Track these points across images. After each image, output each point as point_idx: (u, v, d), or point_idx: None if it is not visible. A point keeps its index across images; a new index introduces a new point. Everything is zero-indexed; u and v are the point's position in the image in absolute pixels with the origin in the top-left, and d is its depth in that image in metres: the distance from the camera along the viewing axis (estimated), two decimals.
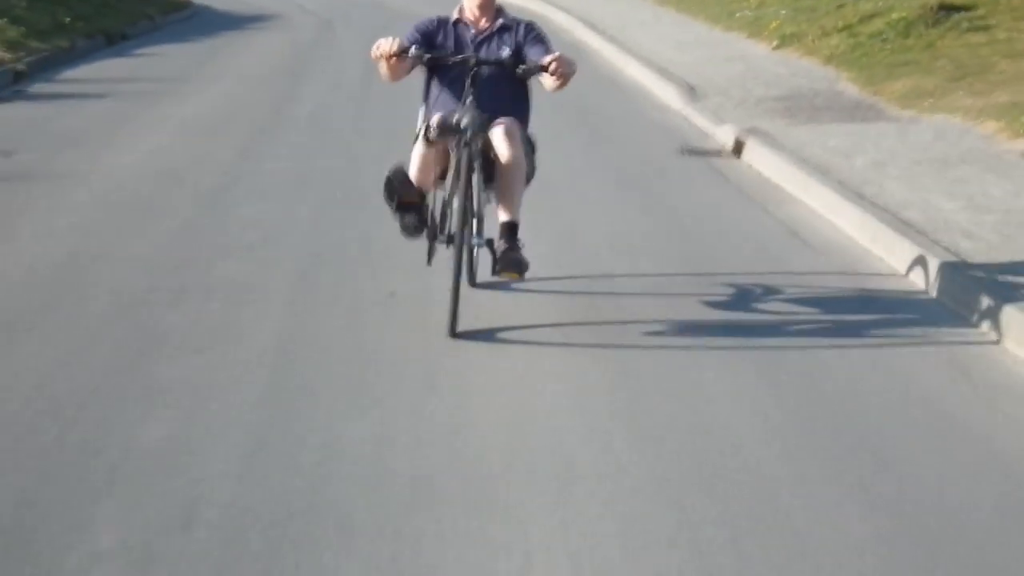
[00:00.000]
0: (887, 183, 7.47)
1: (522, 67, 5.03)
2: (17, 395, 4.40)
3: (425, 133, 4.98)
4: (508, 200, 5.11)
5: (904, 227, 6.37)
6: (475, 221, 5.08)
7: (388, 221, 5.38)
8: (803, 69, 12.45)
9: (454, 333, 4.93)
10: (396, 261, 5.88)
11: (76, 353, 4.81)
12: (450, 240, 5.09)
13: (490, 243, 5.11)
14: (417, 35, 5.19)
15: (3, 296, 5.56)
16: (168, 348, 4.89)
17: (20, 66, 12.76)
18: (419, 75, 5.39)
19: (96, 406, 4.29)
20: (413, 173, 5.12)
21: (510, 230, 5.10)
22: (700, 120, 10.15)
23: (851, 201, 7.01)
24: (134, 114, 10.57)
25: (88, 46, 15.27)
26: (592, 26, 16.82)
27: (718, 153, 9.04)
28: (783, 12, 15.63)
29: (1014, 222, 6.52)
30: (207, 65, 14.00)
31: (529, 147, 5.28)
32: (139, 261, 6.08)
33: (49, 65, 13.48)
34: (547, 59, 4.97)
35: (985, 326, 5.22)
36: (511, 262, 4.98)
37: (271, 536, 3.40)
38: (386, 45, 4.96)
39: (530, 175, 5.27)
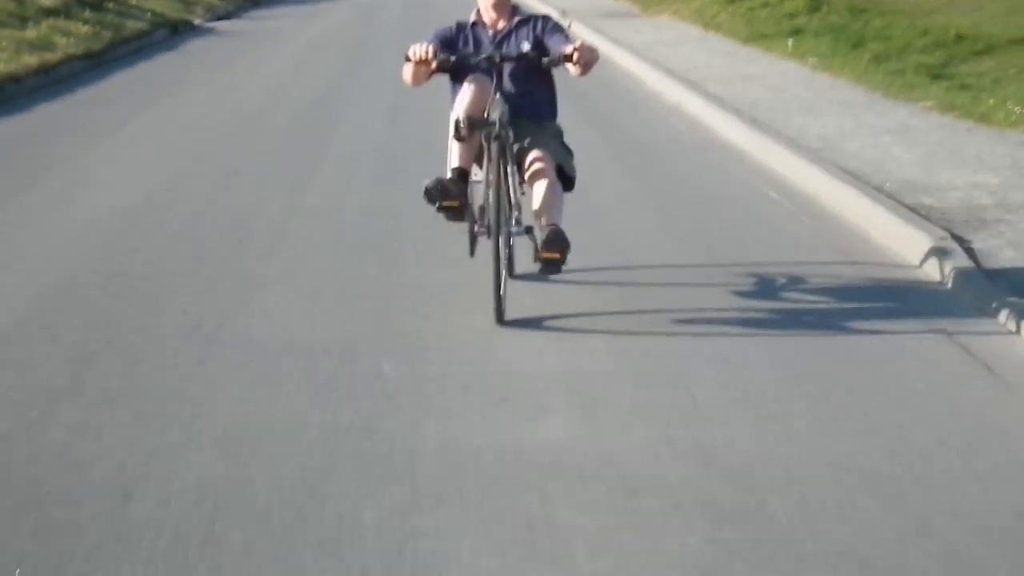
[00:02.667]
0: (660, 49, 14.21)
1: (545, 59, 5.09)
2: None
3: (456, 130, 4.99)
4: (550, 213, 5.08)
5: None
6: (513, 211, 5.11)
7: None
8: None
9: (501, 320, 4.98)
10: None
11: None
12: (491, 231, 5.07)
13: (529, 230, 5.09)
14: (437, 41, 5.25)
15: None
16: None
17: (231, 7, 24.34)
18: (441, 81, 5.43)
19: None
20: (455, 158, 5.16)
21: (554, 229, 5.03)
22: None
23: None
24: (303, 21, 21.77)
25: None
26: None
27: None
28: None
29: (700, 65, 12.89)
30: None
31: (566, 152, 5.35)
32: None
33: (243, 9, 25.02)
34: (569, 48, 5.01)
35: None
36: (555, 238, 4.91)
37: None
38: (421, 50, 5.09)
39: (572, 181, 5.34)
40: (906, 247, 6.18)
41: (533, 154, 5.13)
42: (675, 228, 6.77)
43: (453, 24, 5.42)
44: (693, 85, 11.69)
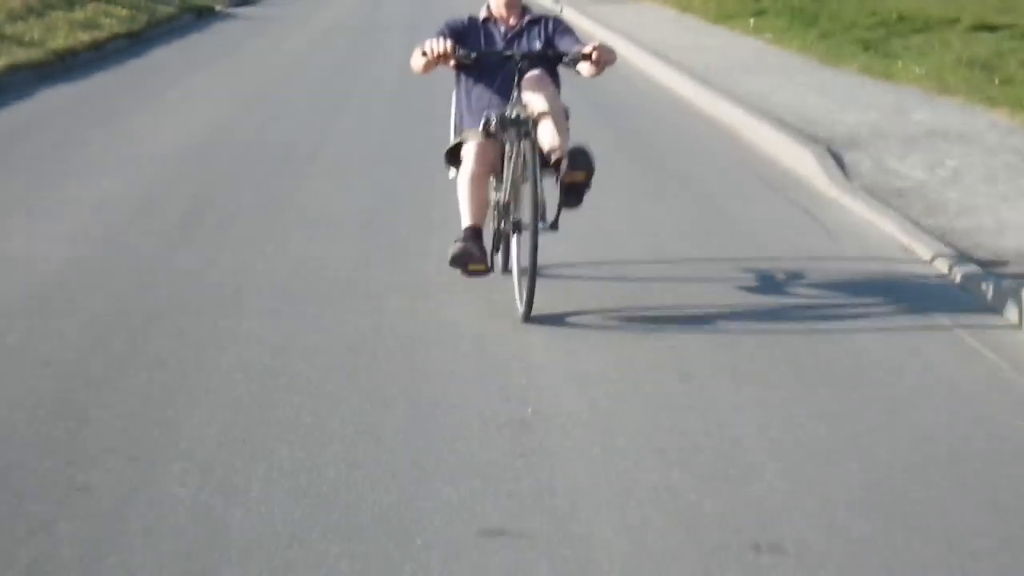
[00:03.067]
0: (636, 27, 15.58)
1: (566, 57, 5.08)
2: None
3: (485, 128, 4.99)
4: (558, 128, 5.02)
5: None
6: (538, 208, 4.97)
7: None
8: None
9: (528, 318, 4.96)
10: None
11: None
12: (516, 228, 5.09)
13: (554, 227, 5.09)
14: (450, 34, 5.24)
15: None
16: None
17: None
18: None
19: None
20: (467, 216, 5.11)
21: (569, 155, 4.96)
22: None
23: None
24: (316, 10, 22.99)
25: None
26: None
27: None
28: None
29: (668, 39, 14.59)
30: None
31: (565, 113, 5.25)
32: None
33: None
34: (588, 48, 5.01)
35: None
36: (580, 157, 4.86)
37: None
38: (439, 47, 5.03)
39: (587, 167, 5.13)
40: (795, 159, 8.12)
41: (532, 72, 5.11)
42: (627, 144, 8.75)
43: (465, 18, 5.42)
44: (657, 54, 13.63)
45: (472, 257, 5.02)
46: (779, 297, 5.51)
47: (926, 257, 5.96)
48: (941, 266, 5.79)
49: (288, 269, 5.70)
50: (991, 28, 14.86)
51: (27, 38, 14.37)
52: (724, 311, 5.18)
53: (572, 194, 4.97)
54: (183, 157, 8.38)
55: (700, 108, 10.65)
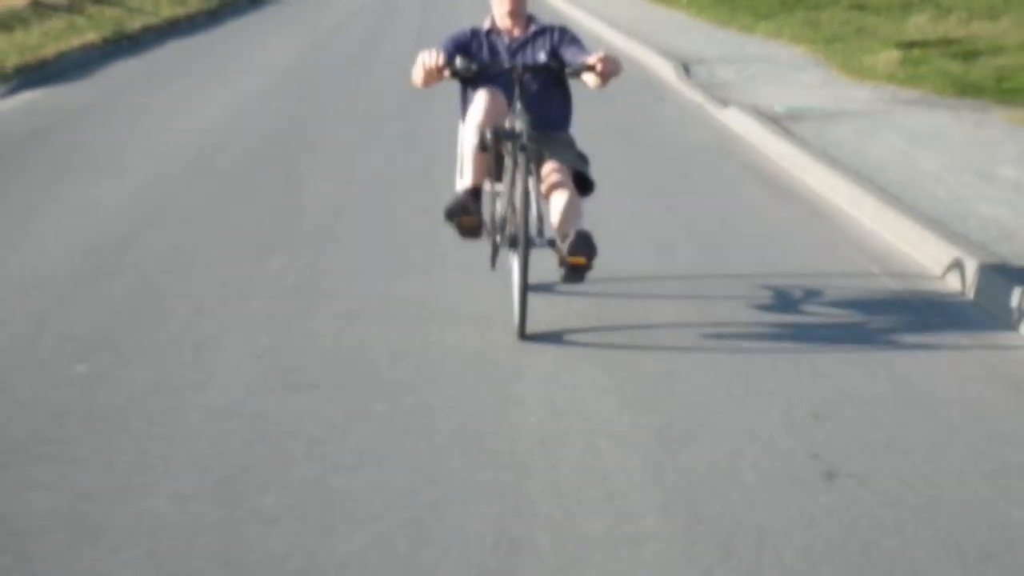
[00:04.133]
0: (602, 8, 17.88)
1: (569, 68, 4.99)
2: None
3: (481, 142, 4.87)
4: (572, 222, 4.94)
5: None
6: (536, 221, 5.01)
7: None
8: None
9: (523, 335, 4.88)
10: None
11: None
12: (512, 243, 4.99)
13: (552, 243, 5.02)
14: (452, 46, 5.19)
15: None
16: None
17: None
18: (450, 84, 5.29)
19: None
20: (468, 176, 5.13)
21: (580, 235, 4.82)
22: None
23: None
24: None
25: None
26: None
27: None
28: None
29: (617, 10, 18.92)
30: None
31: (582, 160, 5.21)
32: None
33: None
34: (593, 59, 4.89)
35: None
36: (582, 242, 4.76)
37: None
38: (431, 60, 4.92)
39: (591, 184, 5.20)
40: (663, 69, 13.22)
41: (549, 166, 5.03)
42: None
43: (468, 30, 5.33)
44: (607, 21, 18.81)
45: (467, 209, 5.02)
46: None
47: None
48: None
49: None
50: (860, 7, 19.98)
51: (146, 9, 19.67)
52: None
53: (574, 274, 4.89)
54: (287, 69, 13.52)
55: (624, 49, 15.75)
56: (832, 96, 11.06)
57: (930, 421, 4.18)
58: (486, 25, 5.34)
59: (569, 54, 5.16)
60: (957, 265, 5.77)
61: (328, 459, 3.78)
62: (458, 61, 4.96)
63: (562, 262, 4.86)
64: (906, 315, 5.35)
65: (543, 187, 5.00)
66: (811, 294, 5.63)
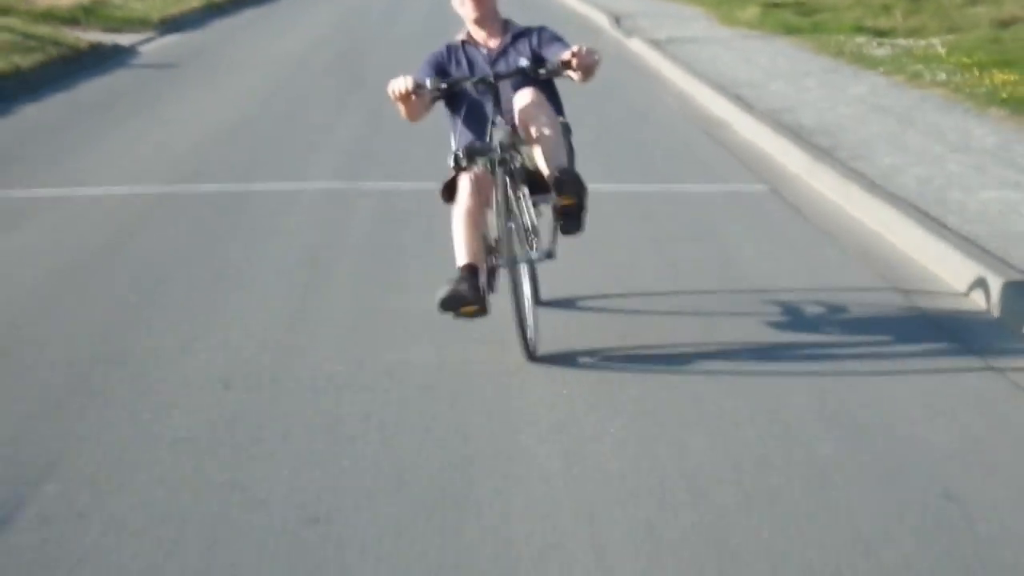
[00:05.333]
0: None
1: (542, 70, 4.72)
2: None
3: (456, 163, 4.62)
4: (552, 156, 4.69)
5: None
6: (531, 237, 4.76)
7: None
8: None
9: (532, 356, 4.68)
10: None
11: None
12: (512, 262, 4.65)
13: (550, 255, 4.87)
14: (429, 69, 4.89)
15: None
16: None
17: None
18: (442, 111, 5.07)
19: None
20: (461, 253, 4.62)
21: (564, 173, 4.64)
22: None
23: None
24: None
25: None
26: None
27: None
28: None
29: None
30: None
31: (565, 129, 4.94)
32: None
33: None
34: (567, 54, 4.63)
35: None
36: (567, 179, 4.58)
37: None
38: (400, 84, 4.63)
39: (570, 158, 4.90)
40: (601, 20, 18.97)
41: (521, 100, 4.74)
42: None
43: (443, 47, 5.02)
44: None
45: (464, 300, 4.55)
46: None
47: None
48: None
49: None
50: None
51: None
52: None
53: (568, 219, 4.70)
54: (333, 26, 19.32)
55: (576, 8, 21.46)
56: (703, 33, 16.85)
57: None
58: (460, 37, 5.07)
59: (551, 53, 4.89)
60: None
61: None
62: (427, 82, 4.69)
63: (555, 212, 4.71)
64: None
65: (523, 133, 4.75)
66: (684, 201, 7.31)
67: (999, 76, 10.53)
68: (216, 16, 21.15)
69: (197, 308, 5.38)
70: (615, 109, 10.81)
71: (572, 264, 5.47)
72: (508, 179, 4.57)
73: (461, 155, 4.63)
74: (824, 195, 7.47)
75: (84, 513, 3.51)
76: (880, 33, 15.16)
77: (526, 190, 4.75)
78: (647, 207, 7.26)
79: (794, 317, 5.28)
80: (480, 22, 4.95)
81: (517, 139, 4.73)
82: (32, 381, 4.54)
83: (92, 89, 12.53)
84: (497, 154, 4.56)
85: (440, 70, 4.92)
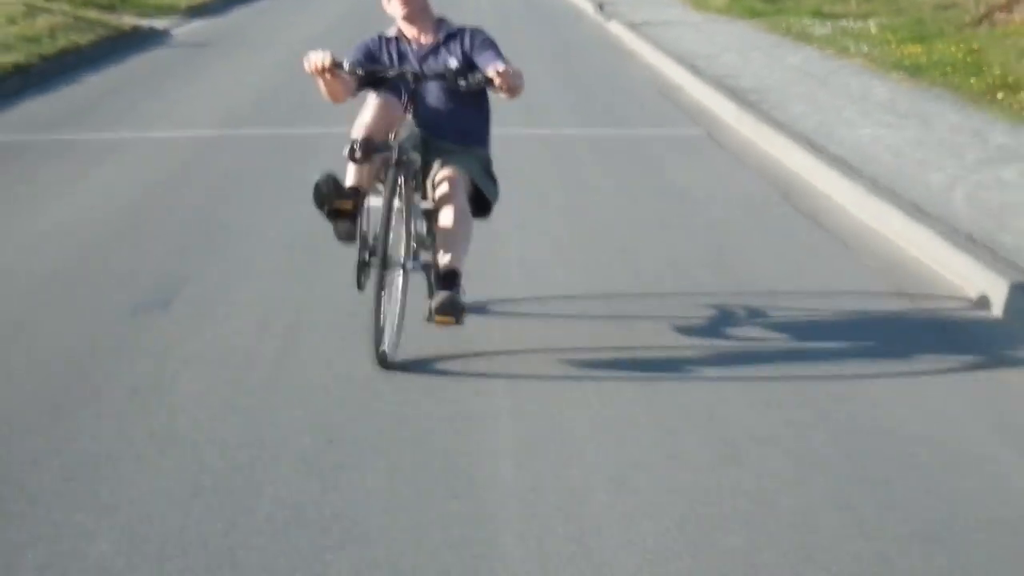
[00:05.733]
0: None
1: (463, 83, 4.57)
2: None
3: (351, 152, 4.40)
4: (450, 247, 4.57)
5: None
6: (411, 244, 4.63)
7: None
8: None
9: (384, 363, 4.48)
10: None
11: None
12: (383, 265, 4.45)
13: (427, 268, 4.65)
14: (358, 53, 4.80)
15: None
16: None
17: None
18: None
19: None
20: (349, 179, 4.60)
21: (450, 277, 4.54)
22: None
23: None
24: None
25: None
26: None
27: None
28: None
29: None
30: None
31: (489, 180, 4.86)
32: None
33: None
34: (491, 71, 4.51)
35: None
36: (450, 304, 4.41)
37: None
38: (318, 58, 4.55)
39: (489, 206, 4.87)
40: (585, 5, 20.97)
41: (443, 173, 4.64)
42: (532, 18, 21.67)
43: (376, 36, 4.92)
44: None
45: (341, 192, 4.48)
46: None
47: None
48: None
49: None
50: None
51: None
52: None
53: (444, 283, 4.55)
54: (348, 7, 21.35)
55: (569, 1, 23.50)
56: (676, 18, 18.85)
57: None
58: (392, 31, 4.94)
59: (482, 59, 4.74)
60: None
61: None
62: (346, 63, 4.62)
63: (430, 318, 4.50)
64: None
65: (434, 195, 4.63)
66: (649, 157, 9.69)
67: (909, 49, 12.51)
68: (237, 4, 23.13)
69: (251, 217, 7.38)
70: (591, 79, 12.85)
71: (546, 180, 7.54)
72: (398, 181, 4.47)
73: (357, 147, 4.44)
74: (745, 136, 9.46)
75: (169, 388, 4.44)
76: (834, 16, 17.13)
77: (418, 197, 4.71)
78: (608, 146, 9.22)
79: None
80: (410, 18, 4.88)
81: (421, 142, 4.68)
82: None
83: (141, 62, 14.53)
84: (396, 154, 4.46)
85: (370, 57, 4.87)
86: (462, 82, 4.61)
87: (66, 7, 17.41)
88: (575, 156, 8.76)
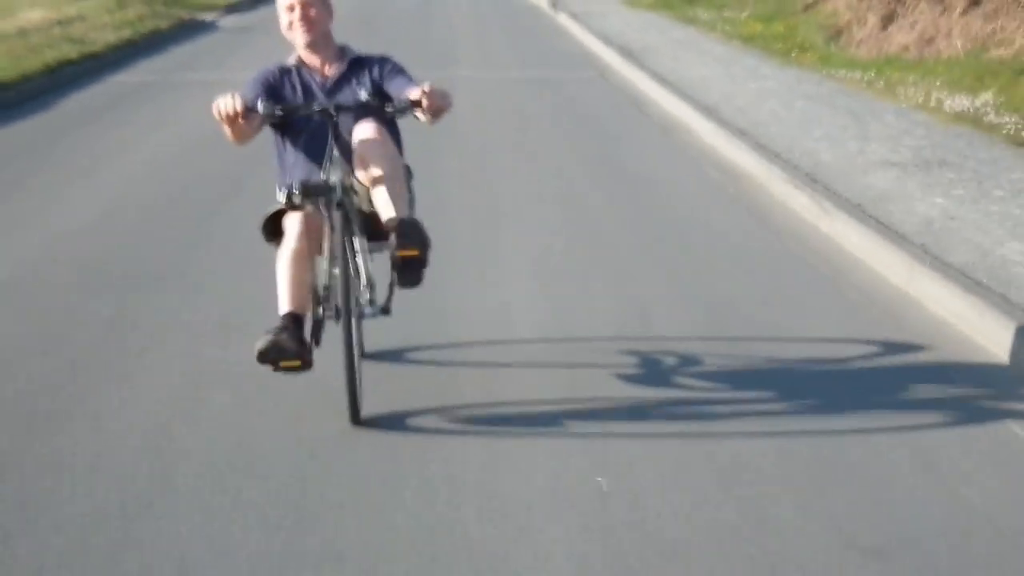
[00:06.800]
0: None
1: (389, 107, 4.34)
2: None
3: (288, 199, 4.19)
4: (391, 198, 4.32)
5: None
6: (366, 288, 4.46)
7: None
8: None
9: (357, 420, 4.34)
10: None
11: None
12: (338, 315, 4.25)
13: (386, 311, 4.55)
14: (259, 88, 4.53)
15: None
16: None
17: None
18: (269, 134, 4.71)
19: None
20: (284, 299, 4.31)
21: (403, 227, 4.23)
22: None
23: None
24: None
25: None
26: None
27: None
28: None
29: None
30: None
31: (407, 172, 4.65)
32: None
33: None
34: (415, 93, 4.27)
35: None
36: (410, 230, 4.20)
37: None
38: (227, 104, 4.19)
39: (410, 202, 4.60)
40: (538, 3, 26.28)
41: (360, 132, 4.44)
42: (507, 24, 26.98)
43: (275, 67, 4.66)
44: None
45: (284, 352, 4.20)
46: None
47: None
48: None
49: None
50: None
51: None
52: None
53: (407, 272, 4.27)
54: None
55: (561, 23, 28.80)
56: (610, 10, 24.22)
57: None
58: (291, 60, 4.68)
59: (394, 87, 4.53)
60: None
61: None
62: (260, 105, 4.28)
63: (394, 263, 4.24)
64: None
65: (360, 171, 4.38)
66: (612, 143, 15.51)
67: (755, 27, 17.91)
68: (263, 3, 28.45)
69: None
70: (535, 50, 18.21)
71: (495, 106, 12.69)
72: (343, 221, 4.23)
73: (296, 192, 4.17)
74: (626, 76, 14.78)
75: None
76: (726, 7, 22.50)
77: (363, 238, 4.45)
78: (538, 85, 14.45)
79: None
80: (312, 47, 4.60)
81: (354, 178, 4.40)
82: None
83: (204, 42, 19.70)
84: (336, 195, 4.20)
85: (271, 92, 4.54)
86: (388, 108, 4.36)
87: (139, 1, 22.71)
88: (519, 92, 13.70)
